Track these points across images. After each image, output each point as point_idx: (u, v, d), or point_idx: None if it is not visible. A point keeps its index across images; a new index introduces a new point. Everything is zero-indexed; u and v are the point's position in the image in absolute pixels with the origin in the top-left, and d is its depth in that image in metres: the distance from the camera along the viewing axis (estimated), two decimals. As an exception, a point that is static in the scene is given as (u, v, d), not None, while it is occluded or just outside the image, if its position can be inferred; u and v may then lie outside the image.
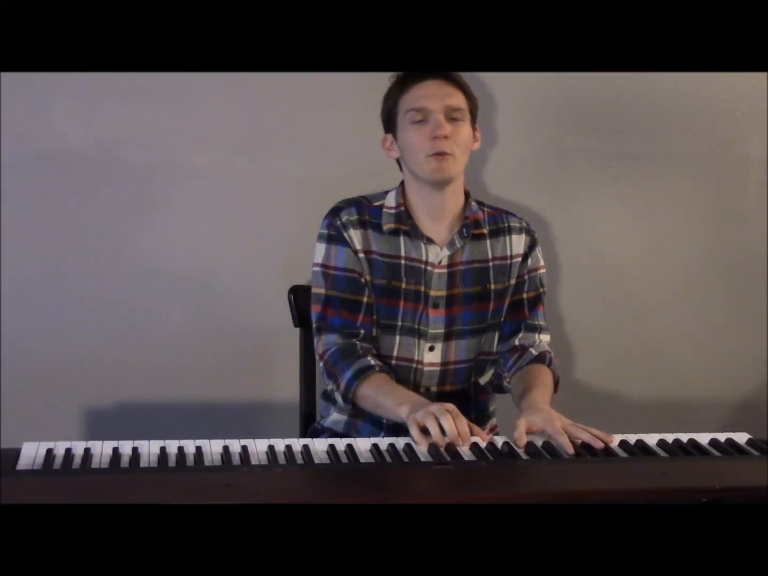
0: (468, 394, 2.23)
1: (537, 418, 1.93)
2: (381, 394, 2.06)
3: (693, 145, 2.92)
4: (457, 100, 2.12)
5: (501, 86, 2.74)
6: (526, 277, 2.24)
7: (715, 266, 3.00)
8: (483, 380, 2.25)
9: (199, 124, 2.66)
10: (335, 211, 2.19)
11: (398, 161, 2.22)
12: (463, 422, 1.88)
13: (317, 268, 2.18)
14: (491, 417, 2.31)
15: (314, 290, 2.19)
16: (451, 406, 1.91)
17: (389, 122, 2.18)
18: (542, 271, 2.27)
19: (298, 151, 2.72)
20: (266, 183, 2.72)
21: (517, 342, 2.22)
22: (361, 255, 2.16)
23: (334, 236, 2.16)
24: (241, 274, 2.74)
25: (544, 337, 2.25)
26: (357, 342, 2.13)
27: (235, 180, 2.70)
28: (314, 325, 2.18)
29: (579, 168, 2.88)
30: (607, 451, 1.89)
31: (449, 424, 1.85)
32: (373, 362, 2.10)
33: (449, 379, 2.20)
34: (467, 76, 2.20)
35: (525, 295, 2.24)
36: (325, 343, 2.15)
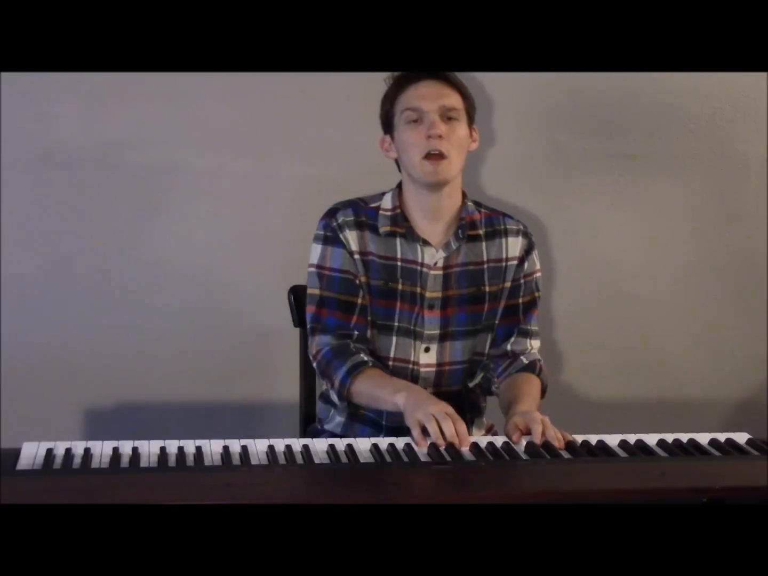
0: (462, 395, 2.23)
1: (521, 419, 1.98)
2: (376, 387, 2.07)
3: (693, 145, 2.92)
4: (453, 100, 2.12)
5: (499, 86, 2.75)
6: (521, 281, 2.23)
7: (715, 266, 3.00)
8: (472, 383, 2.26)
9: (199, 125, 2.66)
10: (332, 213, 2.18)
11: (397, 162, 2.23)
12: (463, 426, 1.90)
13: (312, 269, 2.18)
14: (483, 414, 2.32)
15: (309, 291, 2.19)
16: (450, 410, 1.93)
17: (387, 123, 2.18)
18: (538, 275, 2.27)
19: (298, 151, 2.72)
20: (266, 183, 2.72)
21: (509, 347, 2.23)
22: (357, 256, 2.16)
23: (330, 237, 2.16)
24: (241, 274, 2.74)
25: (535, 343, 2.26)
26: (350, 342, 2.14)
27: (234, 180, 2.70)
28: (308, 326, 2.19)
29: (578, 168, 2.88)
30: (607, 451, 1.90)
31: (450, 430, 1.87)
32: (366, 358, 2.11)
33: (445, 380, 2.20)
34: (464, 77, 2.19)
35: (520, 300, 2.24)
36: (318, 343, 2.16)
